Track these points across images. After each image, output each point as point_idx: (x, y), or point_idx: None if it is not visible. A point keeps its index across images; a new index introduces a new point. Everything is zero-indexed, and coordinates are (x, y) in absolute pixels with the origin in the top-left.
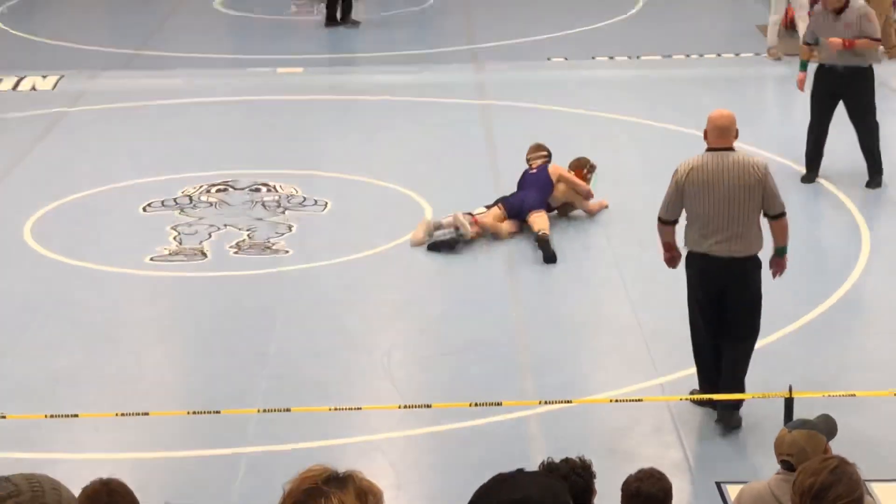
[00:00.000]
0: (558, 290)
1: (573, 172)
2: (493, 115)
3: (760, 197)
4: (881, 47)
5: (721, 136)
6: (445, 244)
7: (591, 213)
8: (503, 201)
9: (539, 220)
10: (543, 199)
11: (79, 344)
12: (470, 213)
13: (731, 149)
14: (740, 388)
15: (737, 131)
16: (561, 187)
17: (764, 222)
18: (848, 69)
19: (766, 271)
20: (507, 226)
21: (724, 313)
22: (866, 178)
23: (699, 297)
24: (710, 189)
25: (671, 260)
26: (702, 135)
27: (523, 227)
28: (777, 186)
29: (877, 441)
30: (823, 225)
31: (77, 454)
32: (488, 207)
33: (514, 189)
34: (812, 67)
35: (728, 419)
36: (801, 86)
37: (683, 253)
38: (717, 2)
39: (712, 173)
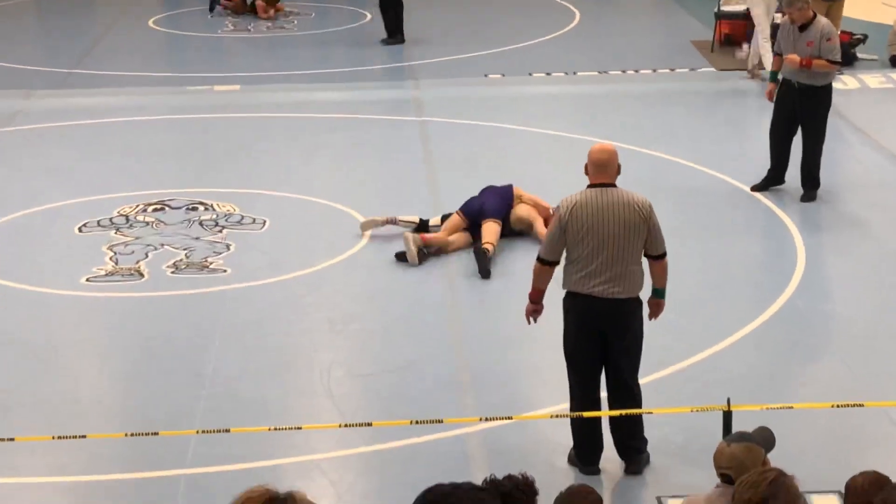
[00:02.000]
0: (499, 307)
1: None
2: (431, 132)
3: (644, 236)
4: (837, 69)
5: (601, 171)
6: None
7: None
8: (463, 208)
9: (489, 231)
10: (502, 209)
11: (14, 366)
12: (422, 233)
13: (612, 185)
14: (640, 432)
15: (619, 167)
16: (523, 210)
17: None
18: (802, 86)
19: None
20: (456, 238)
21: (608, 359)
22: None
23: (581, 341)
24: (593, 228)
25: (534, 312)
26: (639, 150)
27: (475, 237)
28: (660, 225)
29: (815, 453)
30: (759, 239)
31: (13, 478)
32: (444, 218)
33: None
34: None
35: (638, 465)
36: (770, 97)
37: (561, 294)
38: (652, 18)
39: (596, 211)
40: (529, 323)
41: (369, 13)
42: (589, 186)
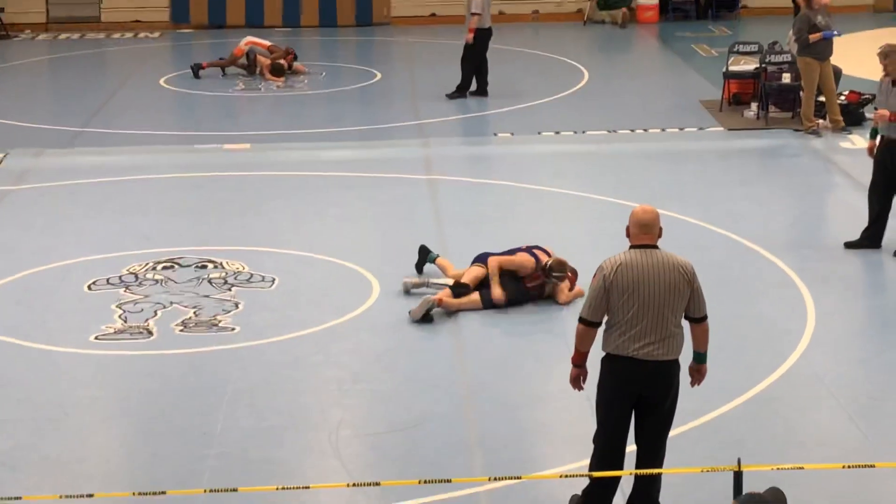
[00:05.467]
0: (507, 366)
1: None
2: (441, 190)
3: (687, 299)
4: None
5: (645, 232)
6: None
7: (562, 301)
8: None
9: (469, 273)
10: (497, 253)
11: (22, 425)
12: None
13: (655, 246)
14: (656, 496)
15: (661, 229)
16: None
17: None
18: (893, 141)
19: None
20: (468, 301)
21: (642, 419)
22: (817, 250)
23: (618, 404)
24: (637, 289)
25: (577, 379)
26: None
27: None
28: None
29: None
30: (769, 298)
31: None
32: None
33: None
34: None
35: None
36: (869, 153)
37: (600, 355)
38: (661, 77)
39: (640, 272)
40: (577, 389)
41: (379, 72)
42: (632, 247)
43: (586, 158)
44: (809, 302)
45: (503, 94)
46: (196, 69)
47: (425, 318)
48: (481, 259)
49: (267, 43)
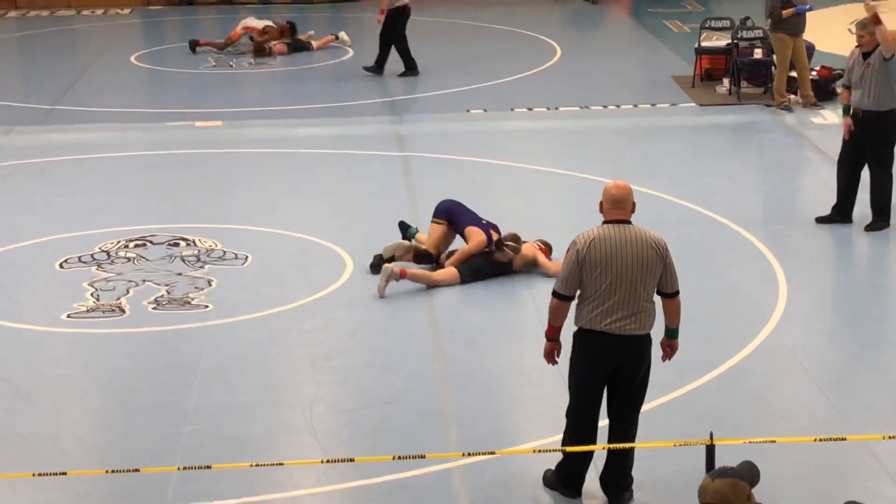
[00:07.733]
0: (481, 342)
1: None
2: (414, 167)
3: (659, 274)
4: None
5: (617, 207)
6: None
7: (550, 273)
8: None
9: (433, 232)
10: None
11: None
12: (402, 268)
13: (628, 221)
14: (629, 470)
15: (634, 204)
16: (527, 248)
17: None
18: (866, 113)
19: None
20: (443, 275)
21: (614, 393)
22: (788, 225)
23: (590, 378)
24: (610, 264)
25: (551, 354)
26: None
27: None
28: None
29: (798, 487)
30: (740, 273)
31: None
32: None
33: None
34: None
35: (621, 502)
36: (846, 132)
37: (572, 329)
38: (633, 53)
39: (613, 247)
40: (551, 363)
41: (351, 49)
42: (605, 222)
43: (559, 134)
44: (781, 276)
45: (476, 71)
46: (193, 45)
47: (376, 270)
48: (442, 212)
49: (261, 25)
